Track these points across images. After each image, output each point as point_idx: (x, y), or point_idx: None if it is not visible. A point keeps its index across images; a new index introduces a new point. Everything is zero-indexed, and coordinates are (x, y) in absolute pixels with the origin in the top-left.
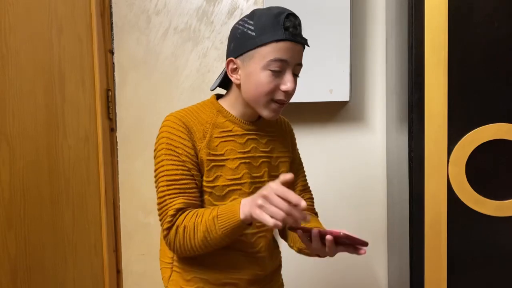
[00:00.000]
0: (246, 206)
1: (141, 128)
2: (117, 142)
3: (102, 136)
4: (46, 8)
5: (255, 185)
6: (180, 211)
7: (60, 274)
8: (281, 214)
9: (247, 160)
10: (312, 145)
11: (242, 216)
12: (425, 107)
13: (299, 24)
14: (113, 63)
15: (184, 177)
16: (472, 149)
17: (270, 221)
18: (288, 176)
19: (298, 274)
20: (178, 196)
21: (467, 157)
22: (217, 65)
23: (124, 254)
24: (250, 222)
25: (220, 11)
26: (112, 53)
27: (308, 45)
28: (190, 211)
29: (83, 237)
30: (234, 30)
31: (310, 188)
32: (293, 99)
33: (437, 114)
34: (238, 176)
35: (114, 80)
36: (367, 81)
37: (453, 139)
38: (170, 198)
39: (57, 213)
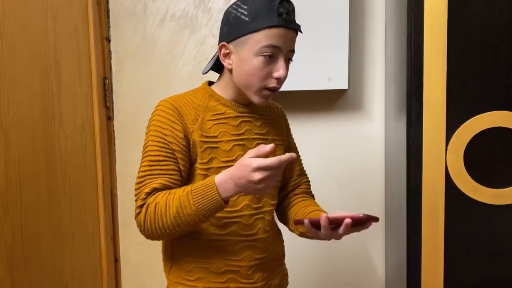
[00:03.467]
0: (228, 184)
1: (138, 116)
2: (114, 130)
3: (99, 124)
4: None
5: None
6: (155, 190)
7: (58, 263)
8: (277, 175)
9: (241, 142)
10: (311, 134)
11: (223, 194)
12: (423, 94)
13: (293, 10)
14: (110, 51)
15: (167, 159)
16: (471, 137)
17: (273, 185)
18: (268, 147)
19: (294, 263)
20: (158, 177)
21: (465, 145)
22: (215, 52)
23: (122, 243)
24: (227, 201)
25: None
26: (109, 40)
27: (301, 31)
28: (163, 191)
29: (81, 226)
30: (227, 13)
31: (306, 172)
32: (291, 87)
33: (436, 101)
34: (232, 158)
35: (110, 68)
36: (366, 69)
37: (451, 127)
38: (149, 178)
39: (54, 202)
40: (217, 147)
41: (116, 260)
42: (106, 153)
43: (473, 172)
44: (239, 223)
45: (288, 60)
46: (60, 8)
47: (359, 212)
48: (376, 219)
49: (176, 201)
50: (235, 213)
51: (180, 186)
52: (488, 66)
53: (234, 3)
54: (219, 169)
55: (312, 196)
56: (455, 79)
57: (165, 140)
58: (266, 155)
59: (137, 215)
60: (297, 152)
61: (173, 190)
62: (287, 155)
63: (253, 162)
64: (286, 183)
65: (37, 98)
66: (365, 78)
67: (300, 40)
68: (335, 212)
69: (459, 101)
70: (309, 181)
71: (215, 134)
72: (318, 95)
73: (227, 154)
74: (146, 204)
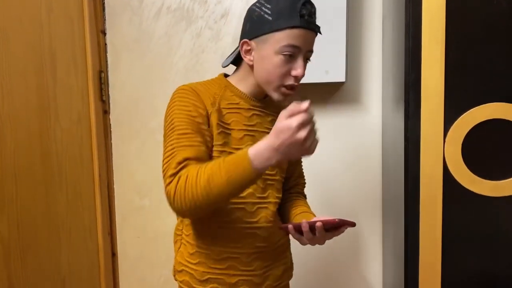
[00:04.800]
0: (267, 153)
1: (135, 109)
2: (110, 124)
3: (95, 118)
4: None
5: None
6: (187, 160)
7: (54, 257)
8: (316, 129)
9: (252, 133)
10: None
11: (260, 165)
12: (421, 86)
13: (315, 12)
14: (106, 44)
15: (194, 132)
16: (469, 129)
17: (317, 142)
18: (305, 104)
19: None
20: (188, 148)
21: (463, 137)
22: (211, 45)
23: (119, 237)
24: (260, 173)
25: None
26: (104, 33)
27: (321, 33)
28: (195, 164)
29: (77, 220)
30: (251, 11)
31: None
32: None
33: (433, 93)
34: (242, 146)
35: (106, 61)
36: (364, 61)
37: (449, 119)
38: (179, 149)
39: (50, 196)
40: (229, 134)
41: (114, 255)
42: (102, 147)
43: (471, 164)
44: (242, 210)
45: (306, 59)
46: (55, 0)
47: (335, 217)
48: (352, 224)
49: (207, 171)
50: (240, 199)
51: (207, 158)
52: (486, 58)
53: (257, 1)
54: (230, 154)
55: (305, 196)
56: (453, 71)
57: (190, 115)
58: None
59: (167, 185)
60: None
61: (204, 163)
62: (307, 102)
63: (293, 121)
64: (287, 180)
65: (32, 91)
66: (363, 70)
67: None
68: (319, 217)
69: (457, 93)
70: (305, 183)
71: (228, 122)
72: (315, 88)
73: (238, 142)
74: (178, 175)
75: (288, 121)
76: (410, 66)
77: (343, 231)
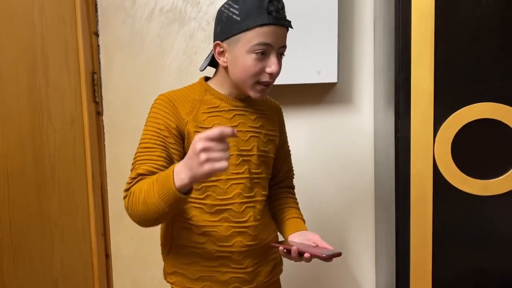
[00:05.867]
0: (182, 172)
1: (128, 111)
2: (103, 125)
3: (88, 119)
4: None
5: (243, 158)
6: (140, 175)
7: (47, 259)
8: (226, 154)
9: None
10: (300, 127)
11: (178, 183)
12: (411, 87)
13: (282, 8)
14: (98, 45)
15: (156, 146)
16: (458, 128)
17: (222, 166)
18: (218, 130)
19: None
20: (144, 163)
21: (453, 136)
22: (204, 46)
23: (113, 238)
24: (188, 189)
25: None
26: (97, 35)
27: (292, 27)
28: (146, 177)
29: (71, 221)
30: (220, 13)
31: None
32: (281, 81)
33: (423, 93)
34: None
35: (99, 63)
36: (355, 62)
37: (439, 119)
38: (138, 164)
39: (42, 197)
40: None
41: (107, 256)
42: (95, 148)
43: (461, 164)
44: (230, 210)
45: (280, 55)
46: (47, 1)
47: (325, 248)
48: (338, 255)
49: (145, 189)
50: (226, 201)
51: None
52: (475, 58)
53: (226, 3)
54: None
55: (293, 187)
56: (442, 71)
57: (157, 128)
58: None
59: (124, 198)
60: (288, 151)
61: (148, 178)
62: (230, 130)
63: (196, 136)
64: (274, 176)
65: (24, 92)
66: (354, 71)
67: (289, 34)
68: (307, 238)
69: (446, 93)
70: (293, 176)
71: (209, 126)
72: (307, 89)
73: None
74: (129, 190)
75: (197, 137)
76: (400, 66)
77: (331, 260)
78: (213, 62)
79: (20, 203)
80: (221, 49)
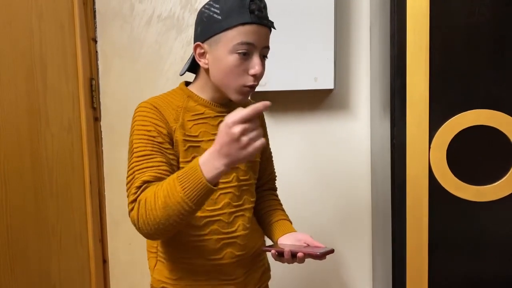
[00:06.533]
0: (215, 161)
1: (125, 117)
2: (101, 131)
3: (86, 125)
4: None
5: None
6: (146, 183)
7: (45, 264)
8: (260, 130)
9: None
10: (297, 133)
11: (210, 174)
12: (407, 93)
13: (265, 7)
14: (96, 51)
15: (154, 153)
16: (453, 135)
17: (261, 143)
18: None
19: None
20: (147, 170)
21: (448, 142)
22: None
23: (110, 243)
24: (216, 182)
25: None
26: (95, 41)
27: (274, 28)
28: (153, 184)
29: (68, 227)
30: (200, 13)
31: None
32: (278, 87)
33: (418, 100)
34: None
35: (97, 69)
36: (352, 69)
37: (434, 125)
38: (139, 173)
39: (40, 202)
40: (199, 146)
41: (105, 261)
42: (93, 154)
43: (456, 170)
44: (219, 221)
45: (263, 57)
46: (45, 6)
47: (317, 247)
48: (331, 252)
49: (164, 191)
50: (216, 212)
51: (168, 176)
52: (470, 65)
53: (206, 3)
54: None
55: (276, 189)
56: (438, 78)
57: (149, 135)
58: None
59: (130, 211)
60: (270, 153)
61: (161, 182)
62: (261, 103)
63: (227, 119)
64: (258, 179)
65: (23, 97)
66: (351, 78)
67: (286, 41)
68: (298, 239)
69: (442, 100)
70: (275, 178)
71: (196, 134)
72: (304, 95)
73: None
74: (137, 200)
75: (224, 123)
76: (395, 73)
77: (324, 258)
78: (192, 67)
79: (17, 208)
80: (202, 51)
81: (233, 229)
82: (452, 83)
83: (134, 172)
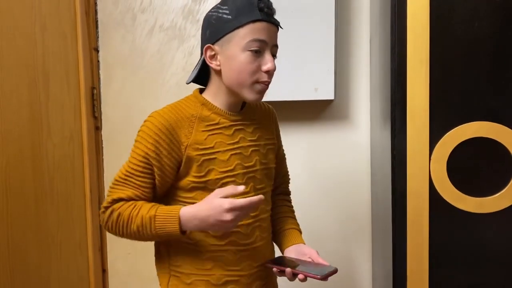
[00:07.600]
0: (192, 222)
1: (127, 126)
2: (102, 141)
3: (87, 135)
4: (29, 4)
5: (248, 175)
6: (121, 200)
7: (45, 273)
8: (249, 213)
9: (238, 151)
10: (297, 143)
11: (184, 228)
12: (407, 105)
13: (272, 6)
14: (98, 61)
15: (143, 174)
16: (454, 146)
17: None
18: (239, 188)
19: None
20: (129, 189)
21: (448, 154)
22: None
23: (109, 253)
24: (185, 234)
25: (206, 9)
26: (97, 50)
27: (281, 27)
28: (129, 202)
29: (68, 236)
30: (208, 17)
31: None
32: (278, 98)
33: (419, 112)
34: (231, 167)
35: (99, 78)
36: (352, 79)
37: (435, 137)
38: (121, 186)
39: (41, 212)
40: (215, 158)
41: (104, 271)
42: (94, 163)
43: (456, 181)
44: (238, 233)
45: (273, 55)
46: (48, 17)
47: (320, 264)
48: (334, 272)
49: (138, 220)
50: None
51: (148, 199)
52: (470, 77)
53: (212, 8)
54: (217, 180)
55: (289, 194)
56: (438, 90)
57: (147, 154)
58: (234, 196)
59: (101, 212)
60: (283, 155)
61: (138, 204)
62: (257, 198)
63: (225, 203)
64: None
65: (25, 107)
66: (351, 88)
67: (287, 51)
68: (303, 253)
69: (442, 112)
70: (289, 181)
71: (212, 145)
72: (305, 105)
73: (225, 164)
74: (111, 208)
75: (221, 200)
76: (396, 85)
77: (326, 280)
78: (199, 77)
79: (18, 217)
80: (213, 53)
81: (251, 240)
82: (452, 95)
83: (119, 183)
